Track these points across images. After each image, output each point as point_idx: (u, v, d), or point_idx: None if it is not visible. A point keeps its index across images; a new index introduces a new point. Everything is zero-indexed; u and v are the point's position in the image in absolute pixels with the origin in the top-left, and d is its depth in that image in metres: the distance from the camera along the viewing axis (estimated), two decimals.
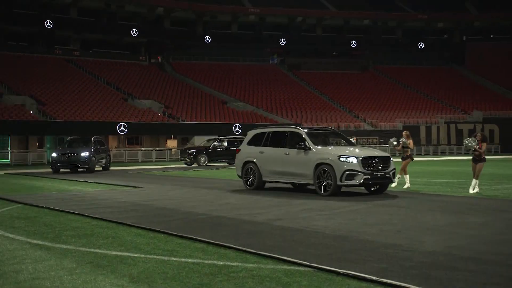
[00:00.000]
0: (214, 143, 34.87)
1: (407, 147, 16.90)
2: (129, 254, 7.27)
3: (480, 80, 70.65)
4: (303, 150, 14.82)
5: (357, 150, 14.67)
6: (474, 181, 14.79)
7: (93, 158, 27.51)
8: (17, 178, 24.47)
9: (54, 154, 27.86)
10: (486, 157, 15.35)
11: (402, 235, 8.27)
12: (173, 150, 46.59)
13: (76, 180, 21.79)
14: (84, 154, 27.22)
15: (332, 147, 15.26)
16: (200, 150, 34.62)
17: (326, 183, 14.10)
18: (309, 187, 15.73)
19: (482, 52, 71.92)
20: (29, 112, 43.31)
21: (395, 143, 17.30)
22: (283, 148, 15.52)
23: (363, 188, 14.98)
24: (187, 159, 34.22)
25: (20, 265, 6.70)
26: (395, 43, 74.28)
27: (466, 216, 10.39)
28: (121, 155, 43.62)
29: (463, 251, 7.05)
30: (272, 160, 15.76)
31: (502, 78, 68.89)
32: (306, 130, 15.49)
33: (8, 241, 8.38)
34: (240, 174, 16.98)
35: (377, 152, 14.98)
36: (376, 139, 52.67)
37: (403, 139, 16.93)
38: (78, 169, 27.81)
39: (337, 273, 5.98)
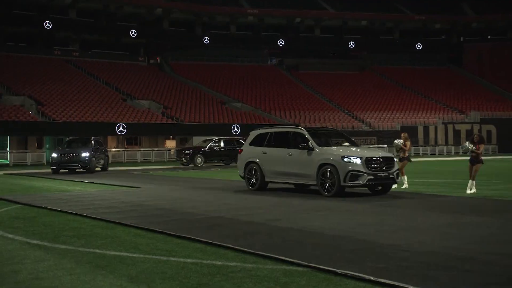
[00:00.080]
0: (211, 144, 34.86)
1: (402, 148, 16.90)
2: (128, 254, 7.30)
3: (477, 81, 70.77)
4: (306, 151, 14.72)
5: (360, 151, 14.63)
6: (470, 182, 14.84)
7: (93, 158, 27.52)
8: (16, 178, 24.47)
9: (54, 155, 27.81)
10: (484, 157, 15.40)
11: (400, 235, 8.30)
12: (172, 150, 46.60)
13: (75, 181, 21.80)
14: (85, 154, 27.21)
15: (336, 147, 15.11)
16: (196, 150, 34.59)
17: (329, 184, 14.00)
18: (311, 187, 15.66)
19: (480, 53, 72.05)
20: (28, 113, 43.29)
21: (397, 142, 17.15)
22: (286, 149, 15.41)
23: (366, 188, 14.87)
24: (183, 160, 34.21)
25: (19, 265, 6.72)
26: (393, 44, 74.36)
27: (463, 216, 10.43)
28: (120, 156, 43.63)
29: (460, 251, 7.08)
30: (275, 160, 15.66)
31: (499, 78, 69.03)
32: (309, 131, 15.39)
33: (8, 241, 8.41)
34: (242, 174, 16.84)
35: (380, 153, 14.92)
36: (374, 139, 52.69)
37: (399, 141, 16.93)
38: (77, 170, 27.80)
39: (335, 273, 6.00)
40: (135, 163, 40.80)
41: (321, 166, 14.19)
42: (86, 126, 42.16)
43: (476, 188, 14.89)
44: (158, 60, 67.43)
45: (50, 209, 12.25)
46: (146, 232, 8.97)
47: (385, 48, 73.90)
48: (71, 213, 11.50)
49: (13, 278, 6.09)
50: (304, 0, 70.98)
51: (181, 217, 10.68)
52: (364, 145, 46.19)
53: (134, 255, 7.20)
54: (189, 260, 6.83)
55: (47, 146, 43.72)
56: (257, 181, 16.18)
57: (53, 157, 27.73)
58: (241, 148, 17.65)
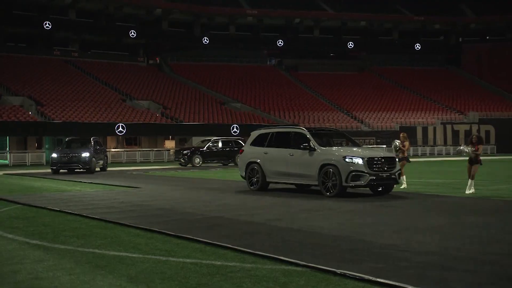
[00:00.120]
0: (209, 144, 34.88)
1: (401, 149, 16.91)
2: (128, 254, 7.30)
3: (476, 81, 70.90)
4: (307, 151, 14.65)
5: (362, 151, 14.58)
6: (470, 182, 14.88)
7: (93, 158, 27.51)
8: (16, 178, 24.46)
9: (54, 155, 27.73)
10: (482, 157, 15.43)
11: (399, 235, 8.31)
12: (171, 150, 46.60)
13: (74, 181, 21.79)
14: (85, 154, 27.18)
15: (337, 147, 15.06)
16: (194, 150, 34.61)
17: (331, 184, 13.93)
18: (313, 187, 15.62)
19: (479, 54, 72.15)
20: (28, 113, 43.30)
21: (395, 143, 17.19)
22: (288, 149, 15.34)
23: (368, 189, 14.83)
24: (181, 160, 34.23)
25: (18, 265, 6.73)
26: (392, 44, 74.47)
27: (462, 216, 10.45)
28: (120, 156, 43.65)
29: (459, 251, 7.09)
30: (276, 160, 15.59)
31: (498, 79, 69.18)
32: (310, 131, 15.34)
33: (7, 241, 8.41)
34: (243, 175, 16.74)
35: (382, 153, 14.84)
36: (373, 140, 52.73)
37: (397, 142, 16.94)
38: (76, 170, 27.78)
39: (334, 273, 6.01)
40: (134, 163, 40.81)
41: (323, 166, 14.12)
42: (85, 126, 42.18)
43: (474, 188, 14.92)
44: (158, 61, 67.48)
45: (49, 209, 12.26)
46: (145, 232, 8.98)
47: (384, 49, 73.99)
48: (71, 213, 11.51)
49: (12, 278, 6.09)
50: (303, 1, 71.06)
51: (180, 217, 10.69)
52: (363, 145, 46.21)
53: (134, 255, 7.20)
54: (188, 260, 6.84)
55: (46, 146, 43.73)
56: (258, 181, 16.10)
57: (53, 157, 27.65)
58: (242, 148, 17.57)
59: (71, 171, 27.82)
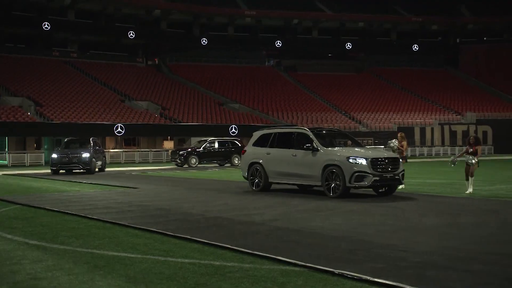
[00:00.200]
0: (205, 144, 34.90)
1: (399, 148, 16.92)
2: (126, 254, 7.31)
3: (473, 82, 70.98)
4: (310, 151, 14.57)
5: (365, 151, 14.52)
6: (470, 179, 14.96)
7: (93, 159, 27.49)
8: (15, 179, 24.45)
9: (54, 155, 27.64)
10: (479, 158, 15.49)
11: (398, 235, 8.33)
12: (170, 151, 46.60)
13: (73, 181, 21.79)
14: (85, 155, 27.14)
15: (340, 148, 14.99)
16: (190, 151, 34.61)
17: (334, 185, 13.86)
18: (315, 188, 15.57)
19: (476, 55, 72.25)
20: (27, 114, 43.27)
21: (392, 144, 17.16)
22: (290, 149, 15.25)
23: (371, 189, 14.73)
24: (178, 160, 34.24)
25: (17, 265, 6.73)
26: (390, 45, 74.48)
27: (460, 216, 10.47)
28: (118, 156, 43.66)
29: (457, 251, 7.11)
30: (279, 161, 15.51)
31: (495, 80, 69.27)
32: (313, 131, 15.26)
33: (6, 241, 8.41)
34: (245, 175, 16.65)
35: (386, 153, 14.74)
36: (371, 140, 52.76)
37: (395, 143, 16.94)
38: (74, 171, 27.75)
39: (333, 273, 6.02)
40: (133, 164, 40.80)
41: (326, 167, 14.04)
42: (84, 127, 42.16)
43: (473, 189, 14.98)
44: (156, 61, 67.45)
45: (48, 209, 12.26)
46: (144, 233, 8.98)
47: (382, 50, 74.04)
48: (70, 213, 11.51)
49: (11, 279, 6.09)
50: (302, 2, 71.05)
51: (179, 217, 10.69)
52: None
53: (132, 255, 7.21)
54: (187, 260, 6.85)
55: (45, 147, 43.71)
56: (260, 182, 16.03)
57: (53, 158, 27.57)
58: (245, 148, 17.48)
59: (70, 172, 27.80)
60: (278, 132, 16.29)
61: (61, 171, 27.65)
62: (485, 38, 75.89)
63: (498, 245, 7.66)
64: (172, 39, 67.80)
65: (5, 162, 40.11)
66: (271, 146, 15.98)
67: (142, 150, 46.08)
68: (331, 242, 7.89)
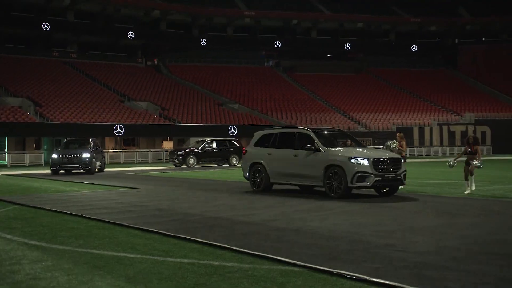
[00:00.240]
0: (203, 145, 34.92)
1: (399, 148, 16.90)
2: (126, 254, 7.32)
3: (472, 83, 71.09)
4: (312, 152, 14.52)
5: (367, 152, 14.48)
6: (470, 178, 15.00)
7: (94, 159, 27.48)
8: (14, 179, 24.44)
9: (54, 156, 27.59)
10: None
11: (396, 236, 8.34)
12: (168, 151, 46.63)
13: (72, 181, 21.79)
14: (86, 155, 27.11)
15: (342, 148, 14.90)
16: (188, 151, 34.63)
17: (336, 185, 13.82)
18: (316, 188, 15.55)
19: (475, 55, 72.32)
20: (26, 114, 43.28)
21: (394, 145, 17.09)
22: (292, 150, 15.20)
23: (373, 190, 14.70)
24: (176, 161, 34.25)
25: (17, 265, 6.74)
26: (389, 46, 74.58)
27: (459, 216, 10.48)
28: (118, 156, 43.68)
29: (455, 251, 7.12)
30: (280, 161, 15.48)
31: (494, 80, 69.36)
32: (315, 131, 15.22)
33: (5, 241, 8.42)
34: (247, 175, 16.61)
35: (388, 154, 14.64)
36: (370, 140, 52.78)
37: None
38: (73, 171, 27.73)
39: (331, 273, 6.04)
40: (132, 164, 40.80)
41: (328, 167, 14.00)
42: (84, 127, 42.19)
43: (474, 187, 15.05)
44: (156, 62, 67.47)
45: (48, 209, 12.26)
46: (143, 233, 8.99)
47: (381, 50, 74.14)
48: (69, 213, 11.52)
49: (11, 279, 6.10)
50: (301, 2, 71.16)
51: (178, 217, 10.70)
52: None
53: (132, 256, 7.22)
54: (186, 261, 6.86)
55: (45, 147, 43.72)
56: (262, 182, 16.00)
57: (53, 158, 27.51)
58: (246, 149, 17.44)
59: (70, 172, 27.77)
60: (280, 133, 16.25)
61: (61, 171, 27.64)
62: (483, 39, 75.99)
63: (497, 245, 7.67)
64: (172, 39, 67.85)
65: (5, 163, 40.11)
66: (273, 147, 15.94)
67: (142, 150, 46.12)
68: (330, 242, 7.91)
